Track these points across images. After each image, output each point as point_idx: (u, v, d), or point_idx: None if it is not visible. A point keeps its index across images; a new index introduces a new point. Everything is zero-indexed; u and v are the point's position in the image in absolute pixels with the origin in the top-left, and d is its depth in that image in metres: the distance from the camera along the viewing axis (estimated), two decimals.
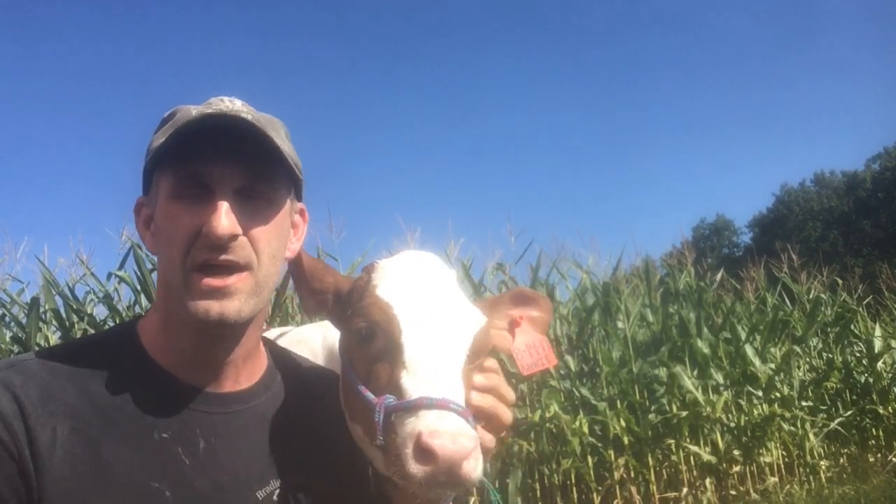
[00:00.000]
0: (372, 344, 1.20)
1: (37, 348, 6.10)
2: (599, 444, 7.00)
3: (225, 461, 1.27)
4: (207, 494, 1.23)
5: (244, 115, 1.24)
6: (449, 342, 1.14)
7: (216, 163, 1.23)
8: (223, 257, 1.21)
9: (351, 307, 1.29)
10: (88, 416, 1.20)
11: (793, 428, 8.23)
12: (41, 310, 6.29)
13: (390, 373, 1.13)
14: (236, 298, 1.23)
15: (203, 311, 1.21)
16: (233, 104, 1.29)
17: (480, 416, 1.21)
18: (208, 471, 1.25)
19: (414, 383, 1.08)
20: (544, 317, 1.43)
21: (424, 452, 1.00)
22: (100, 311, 6.95)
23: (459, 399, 1.08)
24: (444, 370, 1.11)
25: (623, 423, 7.01)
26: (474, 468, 1.03)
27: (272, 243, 1.28)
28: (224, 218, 1.19)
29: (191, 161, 1.22)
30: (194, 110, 1.26)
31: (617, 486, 6.98)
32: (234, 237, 1.21)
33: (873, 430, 9.48)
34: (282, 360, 1.50)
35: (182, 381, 1.30)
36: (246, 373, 1.38)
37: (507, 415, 1.31)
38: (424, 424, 1.01)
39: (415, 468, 1.01)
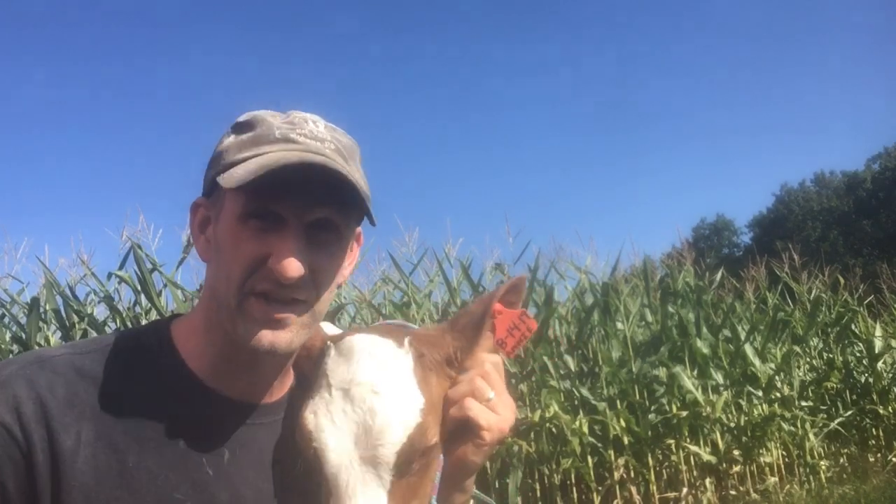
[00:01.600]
0: (298, 464, 1.20)
1: (37, 349, 6.11)
2: (599, 444, 7.01)
3: (248, 474, 1.25)
4: None
5: (332, 159, 1.18)
6: (367, 475, 1.12)
7: (293, 191, 1.16)
8: (286, 294, 1.18)
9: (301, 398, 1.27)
10: (114, 422, 1.18)
11: (793, 428, 8.23)
12: (41, 310, 6.30)
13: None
14: (289, 330, 1.19)
15: (255, 338, 1.17)
16: (316, 127, 1.23)
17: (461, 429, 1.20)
18: (231, 483, 1.23)
19: None
20: (518, 291, 1.33)
21: None
22: (100, 312, 6.97)
23: None
24: None
25: (623, 423, 7.01)
26: None
27: (332, 279, 1.25)
28: (296, 259, 1.15)
29: (267, 190, 1.15)
30: (277, 130, 1.20)
31: (617, 486, 6.98)
32: (301, 277, 1.17)
33: (873, 430, 9.49)
34: None
35: (213, 390, 1.26)
36: (279, 385, 1.34)
37: (483, 419, 1.20)
38: None
39: None
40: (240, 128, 1.24)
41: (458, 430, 1.22)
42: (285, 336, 1.19)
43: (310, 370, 1.26)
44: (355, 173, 1.23)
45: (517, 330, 1.32)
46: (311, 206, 1.18)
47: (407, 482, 1.14)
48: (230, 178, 1.13)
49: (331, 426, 1.14)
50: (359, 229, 1.37)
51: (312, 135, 1.21)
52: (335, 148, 1.22)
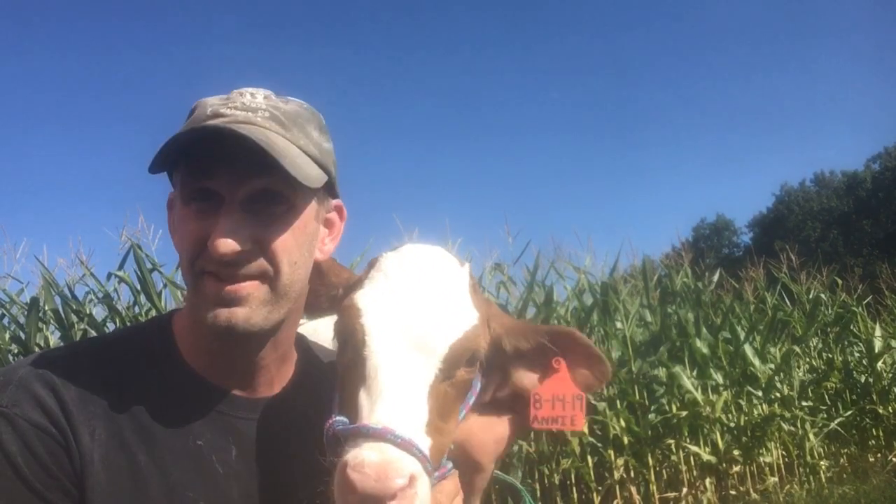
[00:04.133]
0: (344, 350, 1.15)
1: (37, 349, 6.11)
2: (599, 444, 7.00)
3: (256, 469, 1.25)
4: (240, 503, 1.22)
5: (260, 126, 1.16)
6: (415, 359, 1.06)
7: (225, 170, 1.16)
8: (232, 272, 1.16)
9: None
10: (124, 421, 1.18)
11: (793, 428, 8.22)
12: (40, 310, 6.28)
13: (352, 387, 1.08)
14: (246, 305, 1.18)
15: (212, 317, 1.17)
16: (253, 99, 1.22)
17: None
18: (240, 479, 1.24)
19: (365, 406, 1.02)
20: (591, 378, 1.20)
21: (346, 485, 0.95)
22: (99, 312, 6.96)
23: (410, 426, 1.00)
24: (398, 393, 1.02)
25: (623, 423, 7.01)
26: None
27: (292, 251, 1.22)
28: (227, 235, 1.13)
29: (196, 169, 1.16)
30: (210, 108, 1.20)
31: (617, 486, 6.97)
32: (240, 252, 1.15)
33: (873, 430, 9.48)
34: (310, 358, 1.45)
35: (215, 386, 1.27)
36: (280, 377, 1.34)
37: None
38: (352, 456, 0.96)
39: (338, 499, 0.97)
40: (189, 114, 1.26)
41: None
42: (241, 312, 1.17)
43: (357, 282, 1.22)
44: (300, 139, 1.21)
45: (561, 406, 1.18)
46: (242, 178, 1.17)
47: (447, 390, 1.08)
48: (154, 157, 1.15)
49: (385, 308, 1.10)
50: (338, 202, 1.37)
51: (244, 106, 1.20)
52: (270, 115, 1.20)
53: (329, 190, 1.33)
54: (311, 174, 1.20)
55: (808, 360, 9.70)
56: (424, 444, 1.01)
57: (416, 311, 1.10)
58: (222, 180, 1.17)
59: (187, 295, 1.25)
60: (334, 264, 1.38)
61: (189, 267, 1.19)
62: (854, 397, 9.57)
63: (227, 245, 1.14)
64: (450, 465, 1.14)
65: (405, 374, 1.05)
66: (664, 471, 7.51)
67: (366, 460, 0.95)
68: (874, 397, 9.39)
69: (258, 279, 1.19)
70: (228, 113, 1.18)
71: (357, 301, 1.13)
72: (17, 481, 1.09)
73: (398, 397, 1.02)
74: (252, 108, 1.20)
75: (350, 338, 1.12)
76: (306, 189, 1.23)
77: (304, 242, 1.26)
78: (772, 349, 8.81)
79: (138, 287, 6.47)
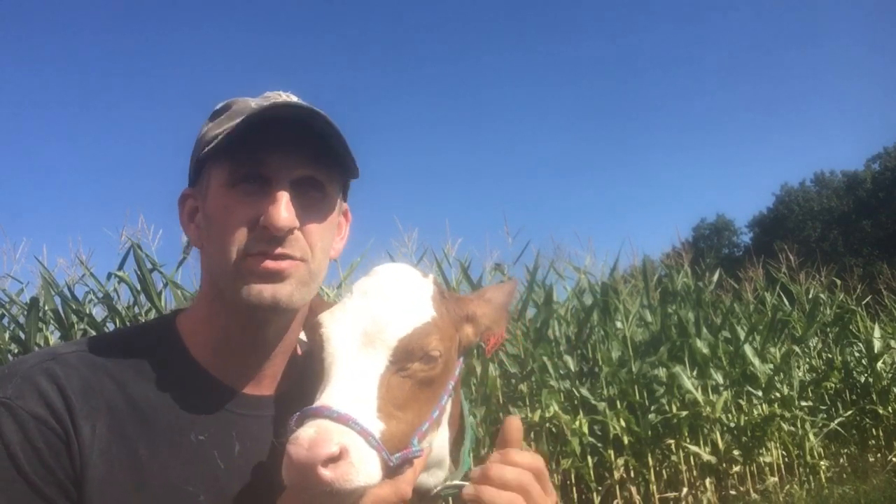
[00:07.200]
0: (309, 360, 1.23)
1: (36, 349, 6.11)
2: (599, 444, 7.01)
3: (258, 466, 1.26)
4: (240, 499, 1.23)
5: (305, 106, 1.23)
6: (365, 353, 1.14)
7: (275, 152, 1.21)
8: (279, 250, 1.21)
9: None
10: (126, 415, 1.19)
11: (793, 428, 8.23)
12: (40, 310, 6.29)
13: (313, 388, 1.16)
14: (289, 283, 1.22)
15: (256, 293, 1.20)
16: (290, 99, 1.28)
17: None
18: (242, 475, 1.24)
19: (317, 397, 1.10)
20: (508, 294, 1.46)
21: (285, 459, 1.02)
22: (99, 312, 6.96)
23: (351, 404, 1.05)
24: (344, 380, 1.10)
25: (623, 423, 7.02)
26: (340, 475, 0.99)
27: (324, 237, 1.29)
28: (284, 210, 1.19)
29: (250, 149, 1.20)
30: (253, 102, 1.26)
31: (617, 486, 6.98)
32: (291, 230, 1.21)
33: (873, 430, 9.49)
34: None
35: (220, 382, 1.28)
36: (286, 376, 1.36)
37: None
38: (293, 434, 1.03)
39: (284, 476, 1.03)
40: (216, 113, 1.31)
41: None
42: (286, 289, 1.22)
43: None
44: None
45: (499, 339, 1.42)
46: (293, 164, 1.23)
47: (401, 381, 1.14)
48: (209, 143, 1.20)
49: (342, 315, 1.20)
50: (346, 206, 1.42)
51: (287, 104, 1.25)
52: (311, 113, 1.25)
53: (344, 193, 1.39)
54: (352, 164, 1.29)
55: (807, 360, 9.72)
56: (373, 425, 1.07)
57: (369, 314, 1.19)
58: (273, 164, 1.22)
59: (215, 285, 1.27)
60: (316, 300, 1.42)
61: (236, 250, 1.21)
62: (854, 397, 9.58)
63: (286, 220, 1.19)
64: (420, 445, 1.15)
65: (353, 366, 1.13)
66: (664, 471, 7.52)
67: (301, 435, 1.01)
68: (874, 397, 9.40)
69: (300, 259, 1.24)
70: (279, 104, 1.23)
71: (320, 317, 1.22)
72: (14, 473, 1.10)
73: (343, 383, 1.10)
74: (294, 103, 1.26)
75: (312, 348, 1.21)
76: (337, 184, 1.31)
77: (331, 233, 1.33)
78: (772, 349, 8.82)
79: (138, 287, 6.48)
